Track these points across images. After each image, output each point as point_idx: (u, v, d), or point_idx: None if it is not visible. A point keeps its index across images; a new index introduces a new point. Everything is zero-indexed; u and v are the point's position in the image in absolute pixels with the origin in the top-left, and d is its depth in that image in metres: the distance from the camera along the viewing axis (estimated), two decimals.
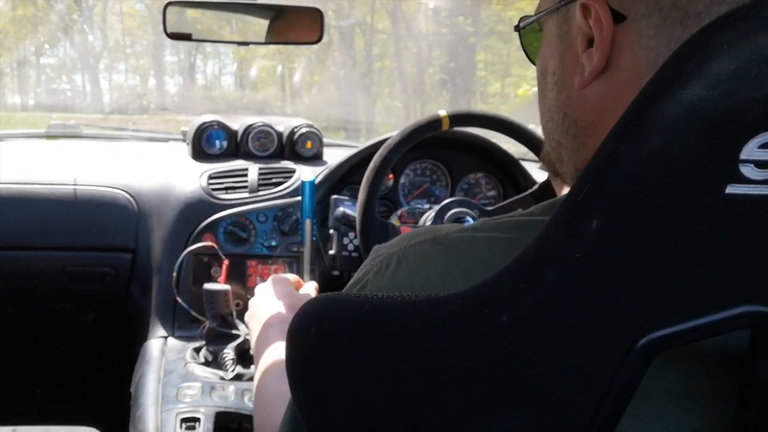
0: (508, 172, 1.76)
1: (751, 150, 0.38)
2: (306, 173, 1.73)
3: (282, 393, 0.85)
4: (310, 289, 1.27)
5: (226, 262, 1.60)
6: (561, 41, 0.61)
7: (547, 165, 0.71)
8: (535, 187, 1.50)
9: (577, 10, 0.57)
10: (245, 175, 1.75)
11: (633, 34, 0.54)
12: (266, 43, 1.50)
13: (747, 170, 0.39)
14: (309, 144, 1.89)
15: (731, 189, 0.39)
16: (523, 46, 0.70)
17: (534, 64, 0.68)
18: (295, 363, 0.56)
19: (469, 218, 1.46)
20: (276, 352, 1.01)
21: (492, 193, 1.78)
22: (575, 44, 0.58)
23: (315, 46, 1.43)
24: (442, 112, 1.44)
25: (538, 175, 1.73)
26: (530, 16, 0.67)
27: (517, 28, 0.70)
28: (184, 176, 1.75)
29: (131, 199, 1.73)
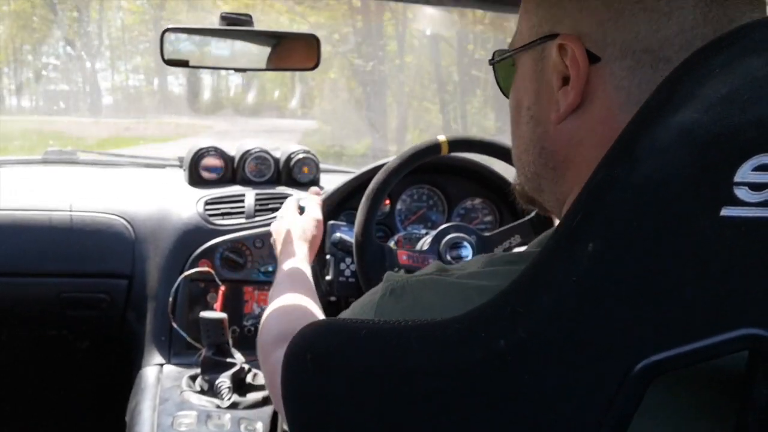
0: (505, 197, 1.76)
1: (745, 172, 0.39)
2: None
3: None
4: (312, 206, 1.43)
5: (222, 288, 1.59)
6: (537, 78, 0.63)
7: (519, 195, 0.75)
8: (533, 213, 1.50)
9: (554, 49, 0.59)
10: (242, 201, 1.75)
11: (607, 74, 0.57)
12: (264, 69, 1.51)
13: (741, 193, 0.39)
14: (306, 169, 1.89)
15: (726, 212, 0.39)
16: (497, 79, 0.73)
17: (507, 96, 0.71)
18: (291, 389, 0.56)
19: (466, 243, 1.45)
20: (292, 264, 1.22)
21: (489, 218, 1.78)
22: (551, 81, 0.61)
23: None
24: (441, 137, 1.45)
25: None
26: (505, 51, 0.69)
27: (491, 62, 0.72)
28: (180, 202, 1.75)
29: (127, 226, 1.73)
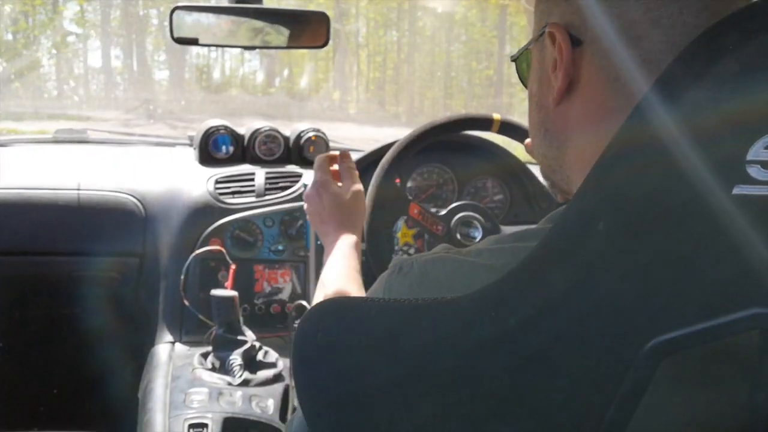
0: (515, 176, 1.75)
1: (757, 151, 0.38)
2: (311, 177, 1.73)
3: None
4: (347, 174, 1.23)
5: (233, 267, 1.60)
6: (539, 66, 0.69)
7: (544, 178, 0.78)
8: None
9: (546, 37, 0.65)
10: (252, 180, 1.76)
11: (588, 56, 0.62)
12: (273, 47, 1.51)
13: (754, 171, 0.38)
14: (315, 148, 1.89)
15: (738, 190, 0.39)
16: (518, 74, 0.78)
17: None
18: (302, 368, 0.56)
19: (477, 222, 1.45)
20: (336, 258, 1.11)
21: (499, 197, 1.78)
22: (548, 67, 0.66)
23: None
24: (496, 115, 1.44)
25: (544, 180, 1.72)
26: (522, 48, 0.76)
27: (512, 59, 0.78)
28: (191, 181, 1.75)
29: (138, 204, 1.73)
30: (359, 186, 1.21)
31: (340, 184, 1.22)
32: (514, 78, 0.81)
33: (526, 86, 0.76)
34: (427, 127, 1.42)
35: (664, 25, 0.56)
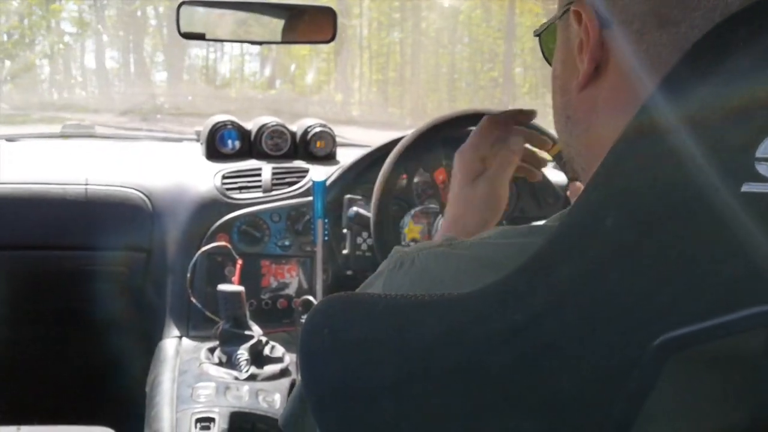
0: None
1: (766, 148, 0.38)
2: (318, 173, 1.73)
3: None
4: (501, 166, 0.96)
5: (239, 262, 1.60)
6: (563, 46, 0.64)
7: (568, 167, 0.73)
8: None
9: (571, 16, 0.60)
10: (259, 175, 1.76)
11: (618, 38, 0.56)
12: (279, 42, 1.51)
13: (763, 168, 0.38)
14: (322, 143, 1.89)
15: (747, 187, 0.38)
16: (542, 51, 0.74)
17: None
18: (308, 363, 0.56)
19: None
20: None
21: None
22: (573, 49, 0.61)
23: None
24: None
25: (552, 175, 1.72)
26: (546, 22, 0.71)
27: (536, 33, 0.73)
28: (198, 176, 1.75)
29: (145, 199, 1.74)
30: (505, 187, 0.97)
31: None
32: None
33: (550, 64, 0.71)
34: (478, 111, 1.39)
35: (704, 8, 0.49)
